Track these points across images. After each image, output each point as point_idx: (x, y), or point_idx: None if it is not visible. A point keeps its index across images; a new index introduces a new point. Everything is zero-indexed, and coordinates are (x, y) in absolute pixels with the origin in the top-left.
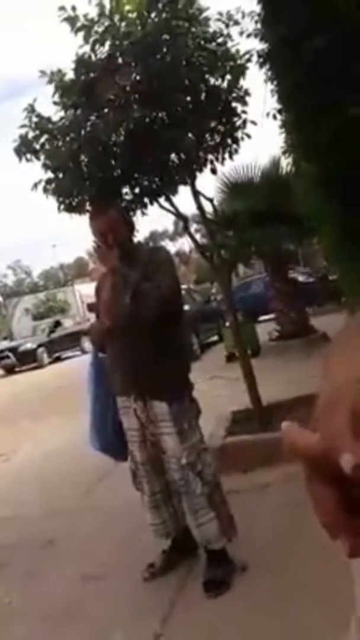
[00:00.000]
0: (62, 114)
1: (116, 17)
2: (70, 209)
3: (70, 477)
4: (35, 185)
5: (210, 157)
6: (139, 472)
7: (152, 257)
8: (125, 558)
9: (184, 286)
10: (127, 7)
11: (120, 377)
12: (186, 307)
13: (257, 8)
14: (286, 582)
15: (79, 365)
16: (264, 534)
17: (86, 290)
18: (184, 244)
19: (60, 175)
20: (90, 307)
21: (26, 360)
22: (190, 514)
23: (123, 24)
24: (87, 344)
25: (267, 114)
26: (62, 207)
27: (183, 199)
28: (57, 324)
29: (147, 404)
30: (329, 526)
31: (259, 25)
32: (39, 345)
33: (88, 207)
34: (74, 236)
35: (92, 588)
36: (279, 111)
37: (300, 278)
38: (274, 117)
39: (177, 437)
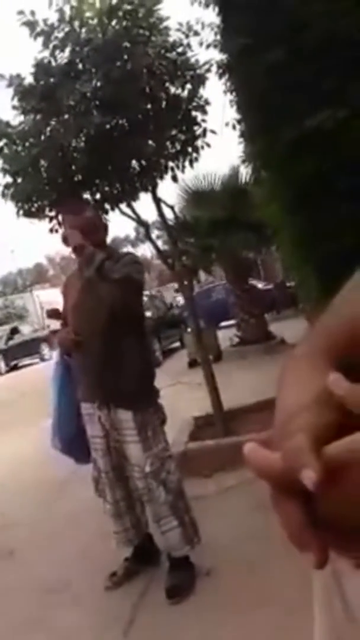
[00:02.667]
0: (21, 118)
1: (76, 23)
2: (29, 214)
3: (30, 487)
4: None
5: (171, 164)
6: (102, 479)
7: (124, 263)
8: (87, 567)
9: (146, 292)
10: (87, 14)
11: (85, 384)
12: (148, 314)
13: (217, 19)
14: (250, 585)
15: (37, 373)
16: (228, 538)
17: (45, 296)
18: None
19: (20, 180)
20: (50, 314)
21: None
22: (153, 521)
23: (83, 30)
24: (46, 351)
25: (227, 124)
26: (21, 212)
27: (144, 205)
28: (15, 330)
29: (111, 411)
30: (295, 541)
31: (218, 37)
32: None
33: (58, 207)
34: (33, 241)
35: (54, 599)
36: (239, 121)
37: (260, 285)
38: (234, 127)
39: (140, 445)
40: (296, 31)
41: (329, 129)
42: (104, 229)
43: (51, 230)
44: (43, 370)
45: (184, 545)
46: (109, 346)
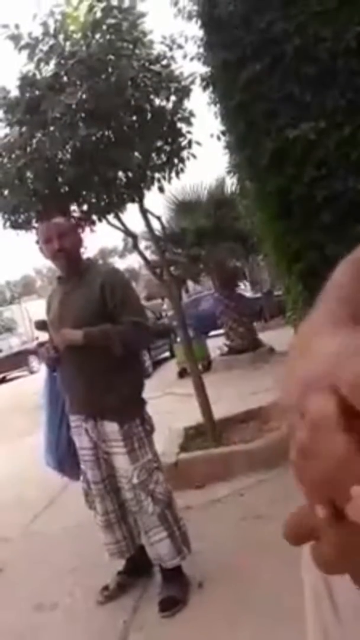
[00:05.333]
0: (6, 130)
1: (61, 37)
2: (16, 225)
3: (19, 503)
4: None
5: (157, 175)
6: (92, 491)
7: (109, 280)
8: (79, 582)
9: None
10: (71, 27)
11: (71, 396)
12: None
13: (200, 33)
14: (243, 596)
15: (26, 386)
16: (220, 549)
17: (34, 307)
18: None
19: (6, 192)
20: (38, 326)
21: None
22: (143, 532)
23: (68, 43)
24: (34, 363)
25: (212, 135)
26: (7, 224)
27: (131, 216)
28: None
29: (98, 423)
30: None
31: (201, 50)
32: None
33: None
34: (20, 253)
35: (45, 616)
36: (223, 132)
37: (248, 294)
38: (218, 138)
39: (127, 456)
40: (274, 45)
41: (309, 139)
42: (79, 238)
43: (37, 242)
44: (31, 383)
45: (174, 556)
46: (95, 358)
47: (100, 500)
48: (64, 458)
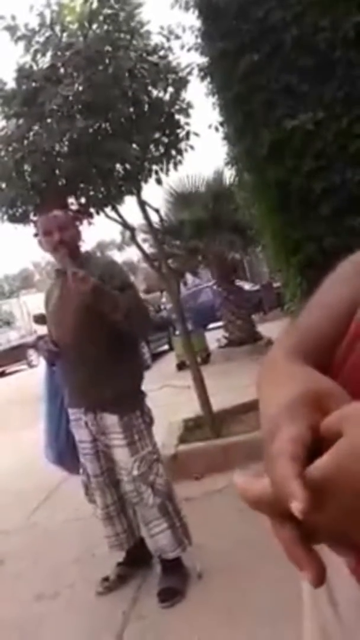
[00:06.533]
0: (3, 123)
1: (57, 28)
2: (13, 219)
3: (18, 495)
4: None
5: (155, 167)
6: (91, 484)
7: (108, 272)
8: (79, 574)
9: None
10: (68, 19)
11: (70, 389)
12: None
13: (197, 23)
14: (242, 588)
15: (25, 380)
16: (219, 540)
17: (32, 301)
18: (132, 253)
19: (3, 185)
20: (37, 319)
21: None
22: (143, 524)
23: (64, 34)
24: (33, 357)
25: (210, 126)
26: (5, 217)
27: (130, 208)
28: None
29: (98, 415)
30: (294, 560)
31: (199, 40)
32: None
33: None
34: (18, 247)
35: (46, 607)
36: (221, 123)
37: (246, 286)
38: (216, 129)
39: (127, 448)
40: (272, 35)
41: (308, 130)
42: (78, 231)
43: (36, 235)
44: (30, 377)
45: (175, 547)
46: (94, 350)
47: (100, 493)
48: (64, 452)
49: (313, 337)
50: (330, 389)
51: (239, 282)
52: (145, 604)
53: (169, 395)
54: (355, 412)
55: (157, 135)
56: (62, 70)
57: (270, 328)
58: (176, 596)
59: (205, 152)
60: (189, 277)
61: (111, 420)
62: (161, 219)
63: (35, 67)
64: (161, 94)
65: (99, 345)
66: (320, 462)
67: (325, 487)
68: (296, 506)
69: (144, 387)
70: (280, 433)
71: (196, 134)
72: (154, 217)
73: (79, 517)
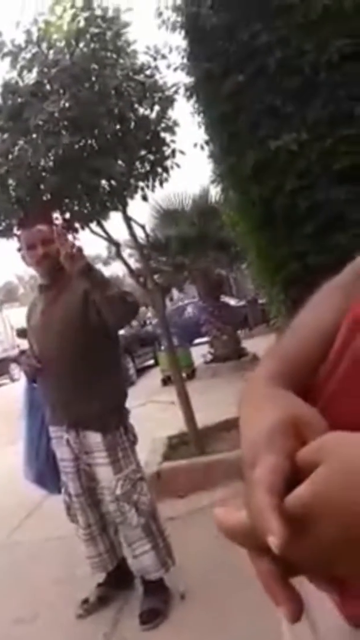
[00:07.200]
0: None
1: (44, 45)
2: None
3: None
4: None
5: (141, 184)
6: (73, 504)
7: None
8: (59, 595)
9: None
10: (55, 36)
11: (52, 406)
12: (122, 332)
13: (184, 43)
14: (225, 609)
15: (7, 394)
16: (202, 560)
17: (15, 315)
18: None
19: None
20: (20, 333)
21: None
22: (126, 545)
23: (51, 51)
24: (16, 371)
25: (195, 145)
26: None
27: (115, 223)
28: None
29: (80, 433)
30: (269, 595)
31: (185, 60)
32: None
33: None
34: (1, 260)
35: (24, 631)
36: (207, 142)
37: (232, 302)
38: (202, 147)
39: (111, 467)
40: (258, 57)
41: (292, 150)
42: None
43: (19, 249)
44: (12, 391)
45: (158, 568)
46: (77, 366)
47: (81, 512)
48: (44, 471)
49: (295, 359)
50: (308, 417)
51: (224, 298)
52: (126, 626)
53: (153, 411)
54: (330, 443)
55: (143, 152)
56: (48, 86)
57: (255, 344)
58: (158, 617)
59: (192, 169)
60: (175, 292)
61: (94, 438)
62: (147, 235)
63: (21, 83)
64: (147, 112)
65: (82, 361)
66: (296, 492)
67: (303, 519)
68: (273, 541)
69: (128, 403)
70: (259, 463)
71: (182, 152)
72: (140, 233)
73: (61, 536)
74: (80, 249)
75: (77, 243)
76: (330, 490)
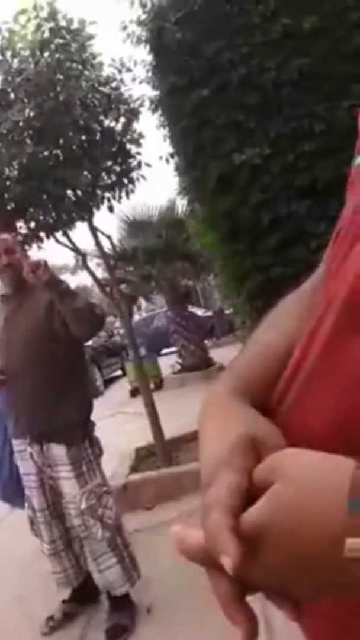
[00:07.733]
0: None
1: (8, 53)
2: None
3: None
4: None
5: (107, 195)
6: (37, 518)
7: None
8: (23, 613)
9: None
10: (19, 45)
11: (15, 418)
12: (89, 342)
13: (149, 57)
14: (192, 622)
15: None
16: (168, 573)
17: None
18: (84, 278)
19: None
20: None
21: None
22: (91, 559)
23: (15, 60)
24: None
25: (160, 157)
26: None
27: (81, 233)
28: None
29: (44, 446)
30: (225, 614)
31: (150, 74)
32: None
33: None
34: None
35: None
36: (172, 155)
37: (199, 312)
38: (167, 160)
39: (75, 481)
40: (221, 73)
41: (255, 165)
42: (25, 255)
43: None
44: None
45: (124, 582)
46: (41, 378)
47: (46, 527)
48: (7, 485)
49: (254, 374)
50: (265, 434)
51: (191, 308)
52: None
53: (122, 422)
54: (283, 461)
55: (109, 163)
56: (12, 95)
57: (222, 353)
58: (125, 633)
59: (159, 181)
60: (143, 302)
61: (58, 450)
62: (113, 245)
63: None
64: (113, 124)
65: (46, 373)
66: (249, 512)
67: (256, 539)
68: (227, 562)
69: (96, 414)
70: (215, 482)
71: (148, 164)
72: (107, 243)
73: (26, 550)
74: (45, 264)
75: (42, 255)
76: (279, 511)
